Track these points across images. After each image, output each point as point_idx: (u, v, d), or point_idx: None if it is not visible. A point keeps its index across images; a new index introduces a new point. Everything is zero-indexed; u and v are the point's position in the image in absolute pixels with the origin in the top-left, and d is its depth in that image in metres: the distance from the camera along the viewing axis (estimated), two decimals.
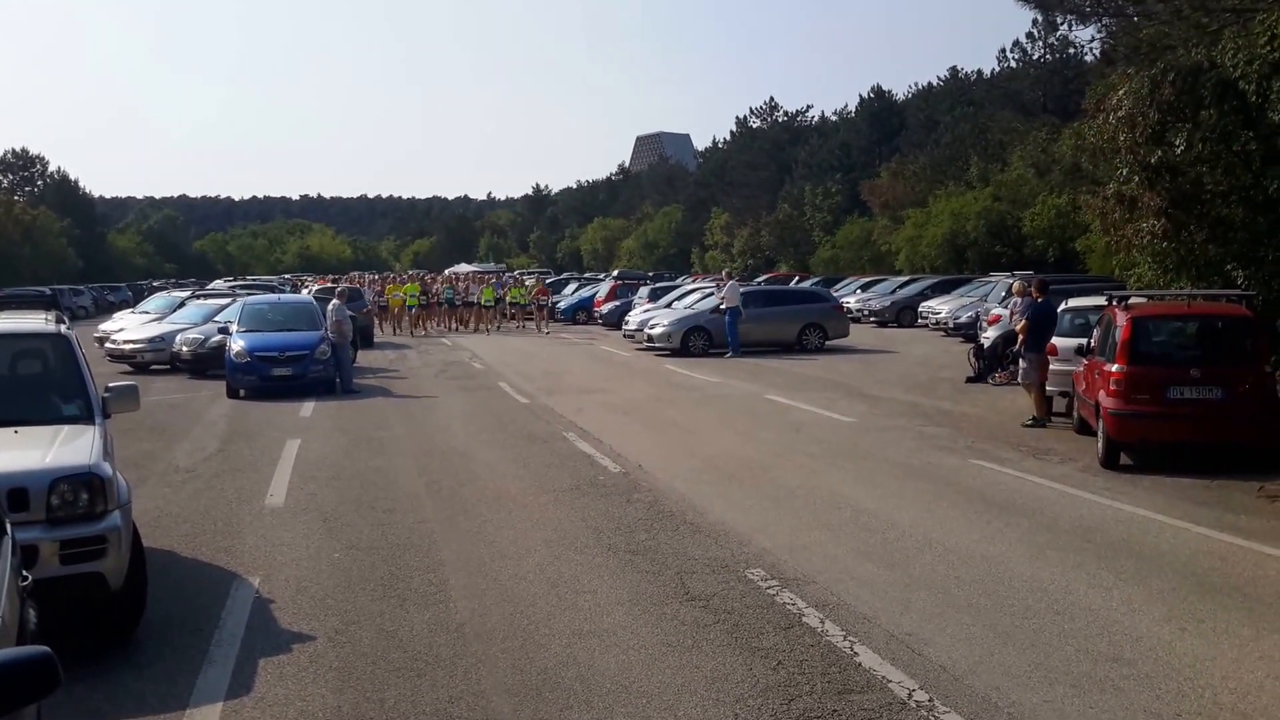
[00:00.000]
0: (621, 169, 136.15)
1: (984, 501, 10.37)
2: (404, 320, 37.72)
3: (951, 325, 31.98)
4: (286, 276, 68.05)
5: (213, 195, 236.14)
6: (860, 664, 6.06)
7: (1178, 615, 6.93)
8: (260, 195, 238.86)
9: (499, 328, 38.90)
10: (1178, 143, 14.28)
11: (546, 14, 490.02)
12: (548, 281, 48.43)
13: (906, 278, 45.89)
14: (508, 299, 39.74)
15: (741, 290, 27.93)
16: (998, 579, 7.76)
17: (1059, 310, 16.11)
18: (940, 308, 34.69)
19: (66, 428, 6.92)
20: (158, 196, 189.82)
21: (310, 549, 8.70)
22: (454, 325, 39.56)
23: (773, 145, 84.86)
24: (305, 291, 33.15)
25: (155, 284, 66.21)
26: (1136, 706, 5.48)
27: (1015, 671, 5.97)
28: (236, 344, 19.57)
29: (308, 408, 17.62)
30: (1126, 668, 6.00)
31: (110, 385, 7.59)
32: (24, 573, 4.40)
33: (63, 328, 7.86)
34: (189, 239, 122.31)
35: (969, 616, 6.91)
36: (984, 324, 23.92)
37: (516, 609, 7.09)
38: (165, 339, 23.77)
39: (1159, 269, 16.45)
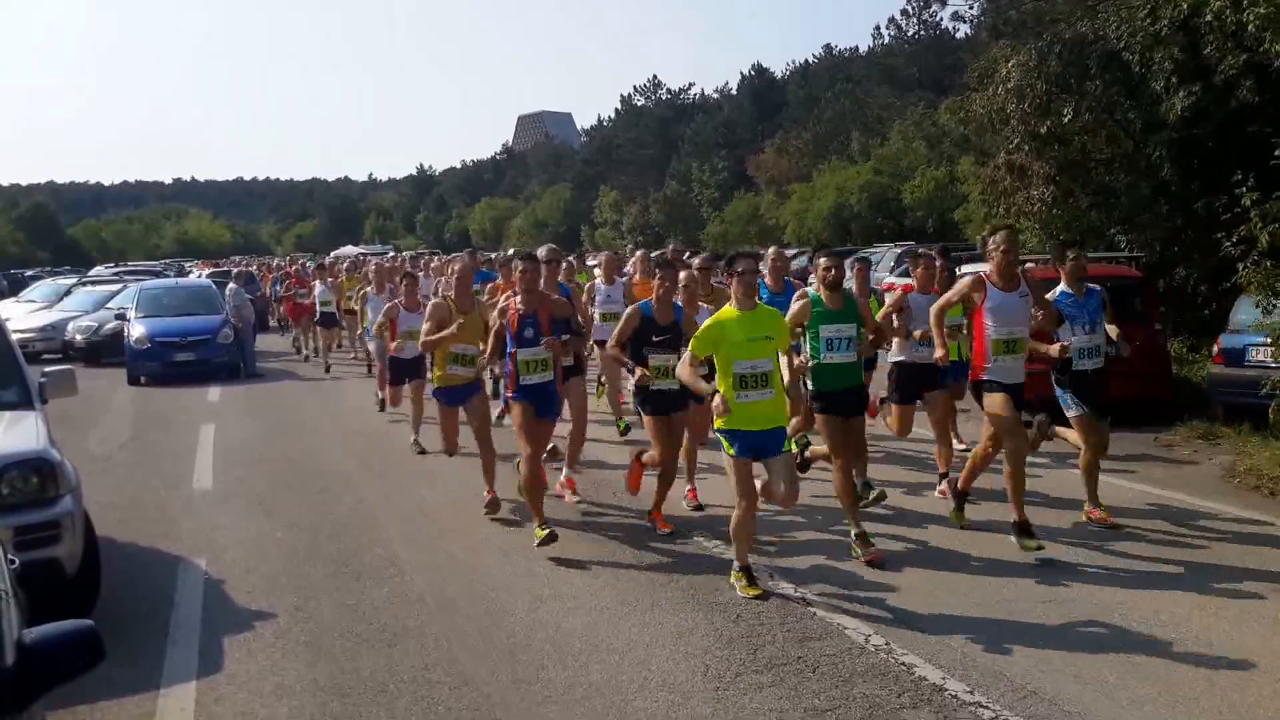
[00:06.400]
0: (505, 148, 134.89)
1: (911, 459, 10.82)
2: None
3: None
4: (168, 262, 65.60)
5: (81, 180, 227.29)
6: (815, 614, 6.36)
7: (1101, 558, 7.40)
8: (131, 180, 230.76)
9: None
10: (1065, 113, 14.93)
11: None
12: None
13: (795, 251, 46.65)
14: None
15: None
16: (923, 530, 8.16)
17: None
18: None
19: (7, 414, 6.78)
20: (24, 184, 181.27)
21: (251, 530, 8.64)
22: None
23: (658, 123, 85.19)
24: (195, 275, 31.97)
25: (28, 274, 63.43)
26: (1080, 634, 5.89)
27: (959, 613, 6.32)
28: (136, 330, 19.11)
29: (214, 393, 17.26)
30: (1065, 606, 6.41)
31: (46, 370, 7.43)
32: (12, 557, 4.36)
33: None
34: (60, 226, 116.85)
35: (905, 565, 7.27)
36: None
37: (474, 579, 7.20)
38: (57, 327, 23.31)
39: (1045, 234, 17.16)
